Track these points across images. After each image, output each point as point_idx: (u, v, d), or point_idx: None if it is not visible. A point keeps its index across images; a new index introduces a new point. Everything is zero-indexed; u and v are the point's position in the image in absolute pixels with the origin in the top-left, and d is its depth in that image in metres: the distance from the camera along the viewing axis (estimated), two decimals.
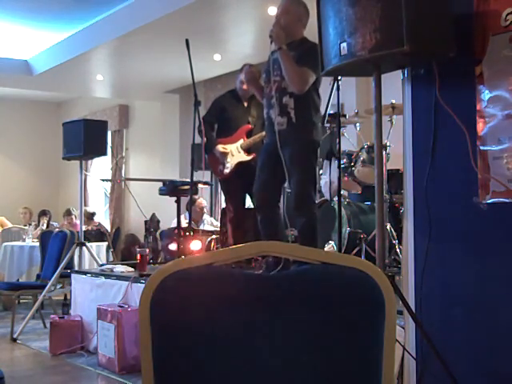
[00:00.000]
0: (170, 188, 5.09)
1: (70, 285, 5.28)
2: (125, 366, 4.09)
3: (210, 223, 7.41)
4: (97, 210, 11.01)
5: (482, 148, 2.27)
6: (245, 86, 4.80)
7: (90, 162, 11.03)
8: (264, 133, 4.30)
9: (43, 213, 8.78)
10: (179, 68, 7.52)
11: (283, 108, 3.75)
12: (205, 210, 7.48)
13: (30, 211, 8.93)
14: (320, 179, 5.09)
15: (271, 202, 3.89)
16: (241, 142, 4.86)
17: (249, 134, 4.88)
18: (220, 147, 4.80)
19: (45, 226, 8.05)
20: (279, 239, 3.65)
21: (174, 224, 6.29)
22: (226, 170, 4.79)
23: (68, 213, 8.28)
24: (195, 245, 4.97)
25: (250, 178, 4.15)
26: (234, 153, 4.84)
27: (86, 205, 9.70)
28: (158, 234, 7.80)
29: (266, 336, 1.15)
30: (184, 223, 5.50)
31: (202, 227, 7.01)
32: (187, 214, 6.23)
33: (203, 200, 7.36)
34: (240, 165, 4.79)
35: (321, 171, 5.06)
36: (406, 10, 2.15)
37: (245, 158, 4.79)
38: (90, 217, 8.50)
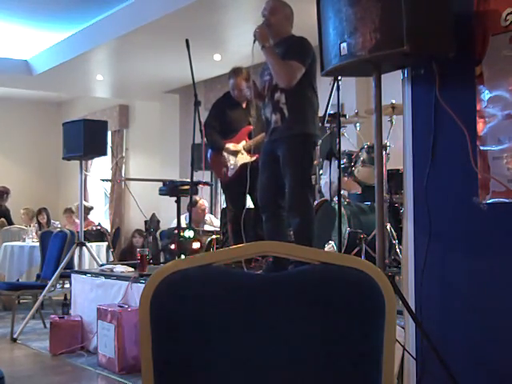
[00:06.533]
0: (170, 188, 5.09)
1: (70, 285, 5.28)
2: (125, 366, 4.09)
3: (211, 222, 7.40)
4: (97, 210, 11.05)
5: (482, 148, 2.27)
6: (236, 92, 4.82)
7: (90, 162, 11.03)
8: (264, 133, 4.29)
9: (39, 211, 8.77)
10: (179, 68, 7.52)
11: (275, 105, 3.75)
12: (206, 211, 7.49)
13: (30, 212, 8.90)
14: (320, 179, 5.09)
15: (273, 203, 3.85)
16: (243, 143, 4.86)
17: (250, 136, 4.87)
18: (231, 145, 4.78)
19: (36, 224, 8.03)
20: (281, 240, 3.62)
21: (174, 224, 6.29)
22: (231, 172, 4.78)
23: (68, 211, 8.28)
24: (195, 245, 4.97)
25: (251, 178, 4.14)
26: (238, 154, 4.84)
27: None
28: (158, 233, 7.81)
29: (266, 336, 1.15)
30: (183, 224, 5.50)
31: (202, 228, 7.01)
32: (187, 215, 6.23)
33: (205, 201, 7.36)
34: (243, 166, 4.78)
35: (321, 171, 5.06)
36: (405, 9, 2.15)
37: (248, 159, 4.78)
38: (86, 211, 8.42)
